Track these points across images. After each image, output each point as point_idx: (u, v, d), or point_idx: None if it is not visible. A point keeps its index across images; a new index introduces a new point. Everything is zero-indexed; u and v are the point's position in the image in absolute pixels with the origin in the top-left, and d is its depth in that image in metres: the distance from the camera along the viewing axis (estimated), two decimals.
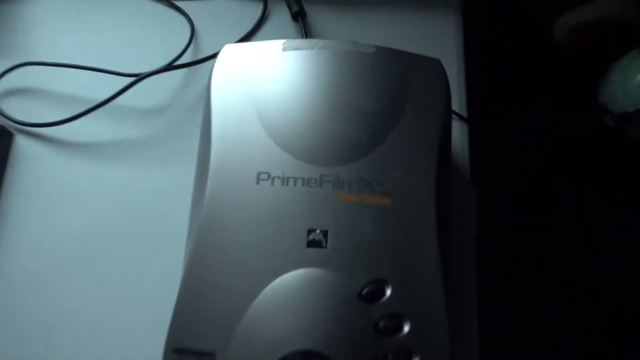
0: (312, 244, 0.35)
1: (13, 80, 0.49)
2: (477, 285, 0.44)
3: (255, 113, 0.38)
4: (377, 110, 0.38)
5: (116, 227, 0.44)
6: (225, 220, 0.35)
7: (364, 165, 0.36)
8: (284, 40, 0.41)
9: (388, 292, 0.34)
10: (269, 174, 0.36)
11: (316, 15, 0.52)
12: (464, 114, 0.46)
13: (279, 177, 0.36)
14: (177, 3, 0.52)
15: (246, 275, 0.34)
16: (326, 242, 0.35)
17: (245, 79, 0.39)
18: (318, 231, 0.35)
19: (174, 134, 0.47)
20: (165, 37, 0.51)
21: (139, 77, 0.46)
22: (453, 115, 0.45)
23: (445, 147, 0.38)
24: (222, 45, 0.41)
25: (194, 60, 0.49)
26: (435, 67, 0.40)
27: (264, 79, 0.39)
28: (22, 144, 0.47)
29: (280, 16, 0.53)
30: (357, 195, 0.36)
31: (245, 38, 0.51)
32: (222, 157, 0.37)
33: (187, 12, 0.51)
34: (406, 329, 0.34)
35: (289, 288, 0.34)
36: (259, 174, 0.36)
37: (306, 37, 0.50)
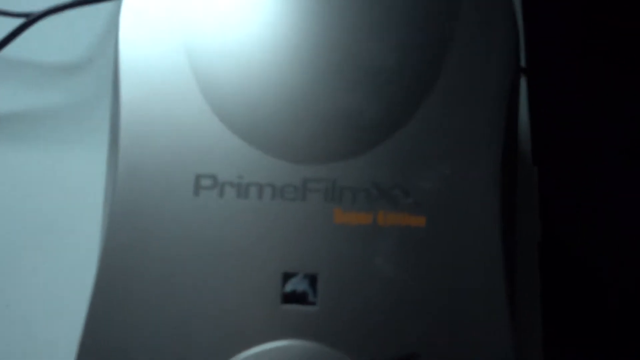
0: (290, 298, 0.20)
1: None
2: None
3: (190, 74, 0.23)
4: (398, 64, 0.23)
5: (8, 231, 0.29)
6: (138, 259, 0.21)
7: (376, 160, 0.21)
8: None
9: None
10: (214, 179, 0.22)
11: None
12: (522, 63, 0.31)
13: (231, 184, 0.21)
14: None
15: (179, 351, 0.20)
16: (315, 295, 0.20)
17: (173, 18, 0.24)
18: (300, 276, 0.21)
19: (91, 102, 0.32)
20: None
21: (33, 17, 0.31)
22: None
23: (513, 122, 0.23)
24: None
25: None
26: None
27: (203, 18, 0.24)
28: None
29: None
30: (367, 213, 0.21)
31: None
32: (136, 151, 0.22)
33: None
34: None
35: None
36: (198, 178, 0.22)
37: None
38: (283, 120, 0.22)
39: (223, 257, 0.21)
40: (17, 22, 0.32)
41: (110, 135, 0.24)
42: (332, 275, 0.20)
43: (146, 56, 0.23)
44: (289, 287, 0.20)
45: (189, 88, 0.23)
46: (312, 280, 0.20)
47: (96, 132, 0.30)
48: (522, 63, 0.30)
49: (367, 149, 0.21)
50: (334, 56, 0.23)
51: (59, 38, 0.33)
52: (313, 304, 0.20)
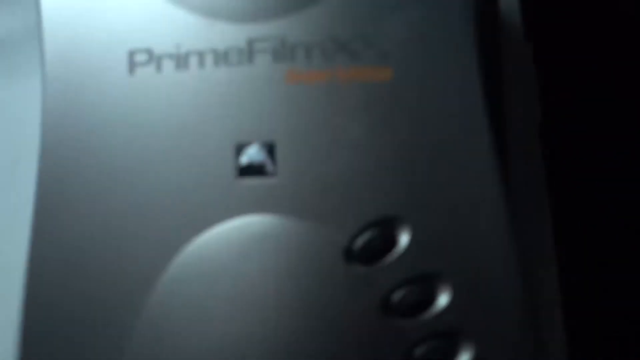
0: (247, 170, 0.18)
1: None
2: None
3: None
4: None
5: None
6: (77, 149, 0.19)
7: (331, 10, 0.19)
8: None
9: (403, 239, 0.18)
10: (149, 52, 0.19)
11: None
12: None
13: (170, 56, 0.19)
14: None
15: (131, 242, 0.18)
16: (273, 165, 0.18)
17: None
18: (256, 145, 0.18)
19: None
20: None
21: None
22: None
23: None
24: None
25: None
26: None
27: None
28: None
29: None
30: (323, 70, 0.19)
31: None
32: (60, 31, 0.19)
33: None
34: (443, 300, 0.18)
35: (214, 257, 0.18)
36: (131, 53, 0.19)
37: None
38: None
39: (168, 136, 0.18)
40: None
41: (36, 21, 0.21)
42: (291, 142, 0.18)
43: None
44: (244, 159, 0.18)
45: None
46: (270, 149, 0.18)
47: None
48: None
49: None
50: None
51: None
52: (272, 174, 0.18)
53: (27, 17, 0.29)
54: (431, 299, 0.17)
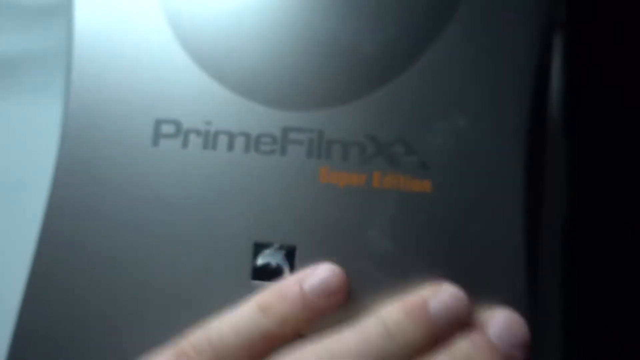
0: (262, 273, 0.17)
1: None
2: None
3: (156, 1, 0.19)
4: None
5: None
6: (86, 219, 0.18)
7: (374, 108, 0.18)
8: None
9: None
10: (177, 125, 0.18)
11: None
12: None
13: (197, 132, 0.18)
14: None
15: (134, 330, 0.17)
16: (291, 271, 0.17)
17: None
18: (276, 247, 0.17)
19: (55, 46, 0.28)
20: None
21: None
22: None
23: (543, 71, 0.18)
24: None
25: None
26: None
27: None
28: None
29: None
30: (359, 173, 0.17)
31: None
32: (88, 89, 0.18)
33: None
34: None
35: None
36: (157, 123, 0.18)
37: None
38: (261, 55, 0.18)
39: (185, 220, 0.17)
40: None
41: (64, 73, 0.20)
42: (313, 248, 0.17)
43: None
44: (261, 260, 0.17)
45: (152, 13, 0.19)
46: (289, 252, 0.17)
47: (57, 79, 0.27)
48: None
49: (363, 94, 0.18)
50: None
51: None
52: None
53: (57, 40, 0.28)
54: None
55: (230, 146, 0.18)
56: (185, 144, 0.18)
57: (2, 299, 0.23)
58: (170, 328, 0.16)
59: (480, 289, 0.17)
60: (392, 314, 0.16)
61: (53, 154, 0.20)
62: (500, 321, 0.16)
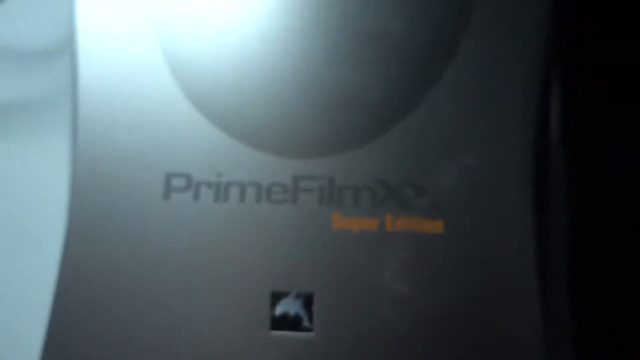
0: (281, 323, 0.17)
1: None
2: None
3: (158, 52, 0.19)
4: (409, 32, 0.19)
5: None
6: (99, 277, 0.18)
7: (383, 152, 0.18)
8: None
9: None
10: (188, 178, 0.18)
11: None
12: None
13: (208, 184, 0.18)
14: None
15: None
16: (310, 319, 0.17)
17: None
18: (293, 296, 0.17)
19: (59, 89, 0.28)
20: None
21: None
22: None
23: (548, 101, 0.19)
24: None
25: None
26: None
27: None
28: None
29: None
30: (372, 218, 0.18)
31: None
32: (95, 146, 0.19)
33: None
34: None
35: None
36: (168, 177, 0.18)
37: None
38: (268, 105, 0.18)
39: (199, 274, 0.17)
40: None
41: (70, 130, 0.20)
42: (331, 295, 0.17)
43: (108, 32, 0.19)
44: (279, 310, 0.17)
45: (157, 68, 0.19)
46: (307, 300, 0.17)
47: (62, 123, 0.27)
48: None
49: (371, 139, 0.18)
50: (329, 24, 0.19)
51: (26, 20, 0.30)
52: (308, 330, 0.17)
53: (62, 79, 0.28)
54: None
55: (242, 197, 0.18)
56: (196, 196, 0.18)
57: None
58: None
59: (494, 321, 0.17)
60: None
61: (59, 202, 0.21)
62: None
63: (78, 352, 0.17)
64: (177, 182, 0.18)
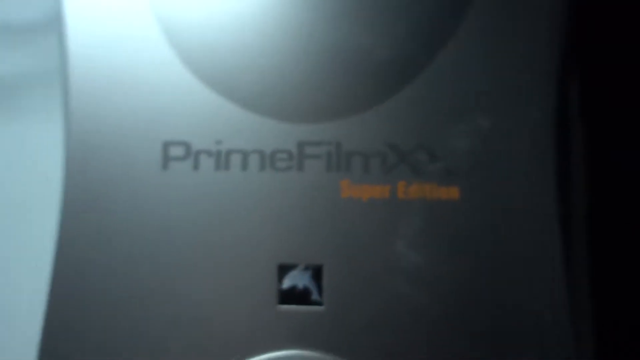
0: (289, 296, 0.16)
1: None
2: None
3: (150, 14, 0.18)
4: None
5: None
6: (98, 252, 0.17)
7: (393, 115, 0.17)
8: None
9: None
10: (186, 146, 0.17)
11: None
12: None
13: (208, 153, 0.17)
14: None
15: None
16: (319, 292, 0.16)
17: None
18: (301, 268, 0.16)
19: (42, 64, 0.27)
20: None
21: None
22: None
23: (570, 61, 0.18)
24: None
25: None
26: None
27: None
28: None
29: None
30: (383, 185, 0.17)
31: None
32: (89, 116, 0.17)
33: None
34: None
35: None
36: (166, 146, 0.17)
37: None
38: (270, 66, 0.17)
39: (200, 247, 0.17)
40: None
41: (62, 97, 0.19)
42: (341, 267, 0.16)
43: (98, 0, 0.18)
44: (287, 283, 0.16)
45: (152, 34, 0.18)
46: (316, 273, 0.16)
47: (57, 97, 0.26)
48: None
49: (379, 101, 0.17)
50: None
51: None
52: (318, 303, 0.16)
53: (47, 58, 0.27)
54: None
55: (244, 165, 0.17)
56: (196, 165, 0.17)
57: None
58: (195, 358, 0.16)
59: (515, 296, 0.16)
60: None
61: (55, 176, 0.20)
62: None
63: (78, 328, 0.16)
64: (176, 151, 0.17)
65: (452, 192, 0.17)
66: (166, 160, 0.17)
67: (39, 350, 0.16)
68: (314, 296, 0.16)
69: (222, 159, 0.17)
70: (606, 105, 0.26)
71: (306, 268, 0.16)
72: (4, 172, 0.25)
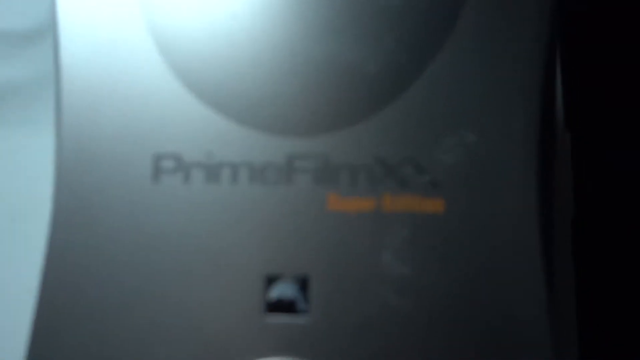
0: (276, 307, 0.17)
1: None
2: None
3: (143, 26, 0.18)
4: (407, 2, 0.18)
5: None
6: (87, 264, 0.17)
7: (380, 129, 0.17)
8: None
9: None
10: (178, 159, 0.18)
11: None
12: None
13: (199, 165, 0.17)
14: None
15: None
16: (306, 302, 0.17)
17: None
18: (288, 280, 0.17)
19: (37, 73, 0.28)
20: None
21: None
22: None
23: (551, 75, 0.18)
24: None
25: None
26: None
27: None
28: None
29: None
30: (369, 198, 0.17)
31: None
32: (80, 128, 0.18)
33: None
34: None
35: None
36: (157, 158, 0.18)
37: None
38: (259, 81, 0.18)
39: (191, 258, 0.17)
40: None
41: (54, 107, 0.19)
42: (327, 278, 0.17)
43: (91, 9, 0.19)
44: (274, 294, 0.17)
45: (143, 45, 0.18)
46: (302, 283, 0.17)
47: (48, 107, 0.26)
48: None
49: (367, 115, 0.17)
50: None
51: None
52: (304, 312, 0.17)
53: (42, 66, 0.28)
54: None
55: (234, 178, 0.17)
56: (186, 178, 0.17)
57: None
58: None
59: (499, 302, 0.16)
60: None
61: (45, 187, 0.20)
62: None
63: (65, 336, 0.17)
64: (167, 164, 0.18)
65: (437, 205, 0.17)
66: (157, 172, 0.18)
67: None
68: (301, 306, 0.17)
69: (212, 172, 0.17)
70: (595, 105, 0.26)
71: (293, 279, 0.17)
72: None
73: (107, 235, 0.17)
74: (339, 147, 0.17)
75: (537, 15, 0.18)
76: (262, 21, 0.18)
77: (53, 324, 0.17)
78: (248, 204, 0.17)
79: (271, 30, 0.18)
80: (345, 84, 0.18)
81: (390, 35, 0.18)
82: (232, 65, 0.18)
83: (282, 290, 0.17)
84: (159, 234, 0.17)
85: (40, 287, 0.17)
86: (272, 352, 0.16)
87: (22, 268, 0.23)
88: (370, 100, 0.17)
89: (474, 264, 0.17)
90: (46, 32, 0.28)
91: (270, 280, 0.17)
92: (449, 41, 0.18)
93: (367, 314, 0.16)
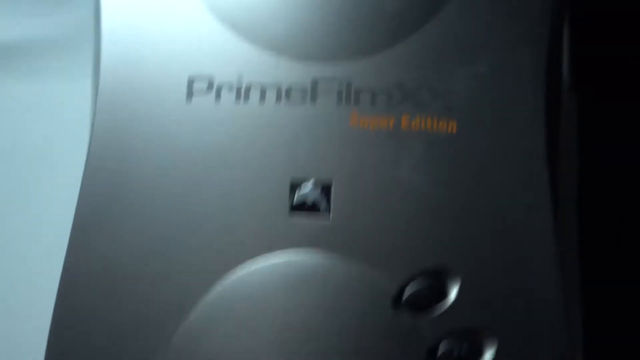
0: (300, 207, 0.18)
1: None
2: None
3: None
4: None
5: None
6: (126, 175, 0.19)
7: (400, 58, 0.19)
8: None
9: (452, 291, 0.17)
10: (210, 80, 0.19)
11: None
12: None
13: (229, 86, 0.19)
14: None
15: (176, 269, 0.18)
16: (328, 205, 0.18)
17: None
18: (311, 183, 0.18)
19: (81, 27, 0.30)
20: None
21: None
22: None
23: (562, 16, 0.21)
24: None
25: None
26: None
27: None
28: None
29: None
30: (388, 117, 0.19)
31: None
32: (118, 52, 0.20)
33: None
34: (488, 356, 0.17)
35: (257, 289, 0.17)
36: (190, 80, 0.19)
37: None
38: (287, 10, 0.20)
39: (222, 168, 0.19)
40: None
41: (94, 41, 0.21)
42: (348, 185, 0.18)
43: None
44: (298, 196, 0.18)
45: None
46: (325, 188, 0.18)
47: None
48: None
49: (389, 45, 0.20)
50: None
51: None
52: (326, 212, 0.18)
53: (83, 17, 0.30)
54: (478, 353, 0.17)
55: (262, 98, 0.19)
56: (217, 98, 0.19)
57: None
58: (213, 270, 0.18)
59: (506, 227, 0.18)
60: None
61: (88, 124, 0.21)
62: None
63: (107, 232, 0.18)
64: (199, 85, 0.19)
65: (451, 126, 0.19)
66: (190, 93, 0.19)
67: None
68: (323, 209, 0.18)
69: (242, 92, 0.19)
70: (595, 97, 0.28)
71: (316, 183, 0.18)
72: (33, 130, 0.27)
73: (144, 151, 0.19)
74: (362, 72, 0.19)
75: None
76: None
77: (91, 229, 0.18)
78: (275, 121, 0.19)
79: None
80: (369, 16, 0.20)
81: None
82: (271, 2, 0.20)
83: (306, 193, 0.18)
84: (192, 149, 0.19)
85: (79, 199, 0.19)
86: (294, 245, 0.18)
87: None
88: (391, 31, 0.20)
89: (482, 183, 0.18)
90: None
91: (296, 184, 0.18)
92: None
93: (380, 217, 0.18)
